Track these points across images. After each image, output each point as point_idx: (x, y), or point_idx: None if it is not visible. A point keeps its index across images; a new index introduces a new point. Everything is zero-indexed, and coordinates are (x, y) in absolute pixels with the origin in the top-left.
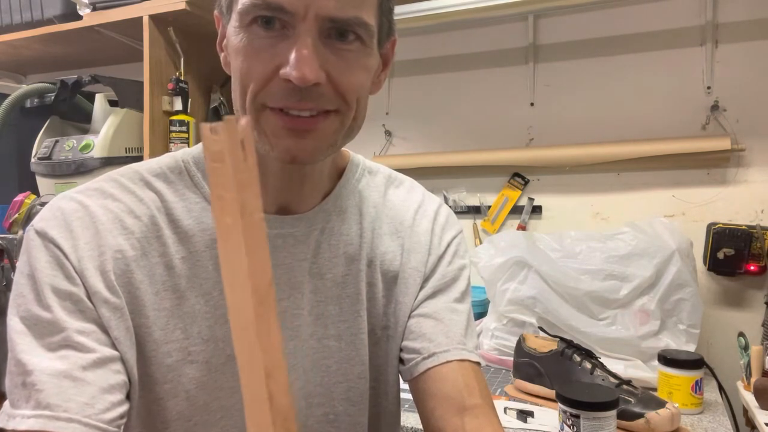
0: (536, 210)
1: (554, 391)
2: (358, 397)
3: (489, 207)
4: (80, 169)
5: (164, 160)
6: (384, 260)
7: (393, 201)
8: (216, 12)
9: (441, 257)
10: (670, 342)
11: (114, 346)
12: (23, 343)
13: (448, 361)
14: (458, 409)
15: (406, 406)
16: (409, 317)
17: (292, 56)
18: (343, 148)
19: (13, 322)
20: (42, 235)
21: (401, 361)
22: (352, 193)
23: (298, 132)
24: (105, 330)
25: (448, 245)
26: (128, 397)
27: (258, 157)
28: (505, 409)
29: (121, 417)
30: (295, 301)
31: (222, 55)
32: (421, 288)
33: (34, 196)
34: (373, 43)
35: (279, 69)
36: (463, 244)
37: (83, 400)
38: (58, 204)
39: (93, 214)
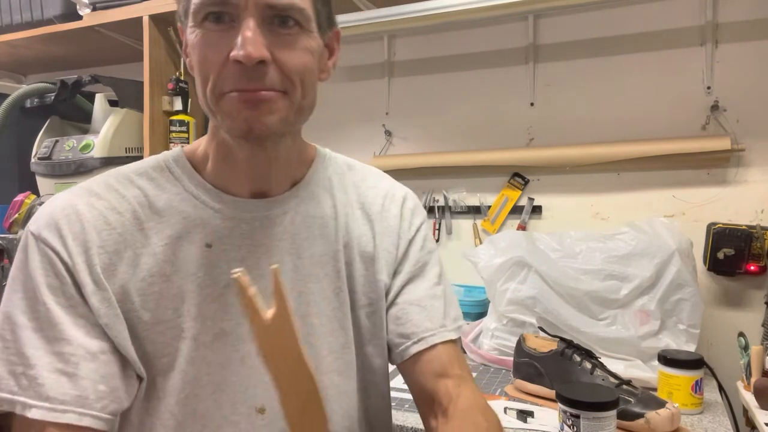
0: (536, 210)
1: (554, 391)
2: (343, 367)
3: (489, 207)
4: (80, 169)
5: (148, 161)
6: (360, 242)
7: (361, 188)
8: (179, 24)
9: (412, 241)
10: (670, 342)
11: (106, 337)
12: (24, 337)
13: (434, 344)
14: (444, 378)
15: (406, 406)
16: (394, 303)
17: (239, 39)
18: (309, 143)
19: (14, 316)
20: (35, 235)
21: (389, 347)
22: (322, 180)
23: (253, 103)
24: (96, 322)
25: (418, 230)
26: (128, 381)
27: (227, 146)
28: (505, 409)
29: (113, 402)
30: None
31: (187, 61)
32: (396, 270)
33: (34, 196)
34: (312, 26)
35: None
36: (430, 232)
37: (77, 393)
38: (51, 204)
39: (80, 212)
